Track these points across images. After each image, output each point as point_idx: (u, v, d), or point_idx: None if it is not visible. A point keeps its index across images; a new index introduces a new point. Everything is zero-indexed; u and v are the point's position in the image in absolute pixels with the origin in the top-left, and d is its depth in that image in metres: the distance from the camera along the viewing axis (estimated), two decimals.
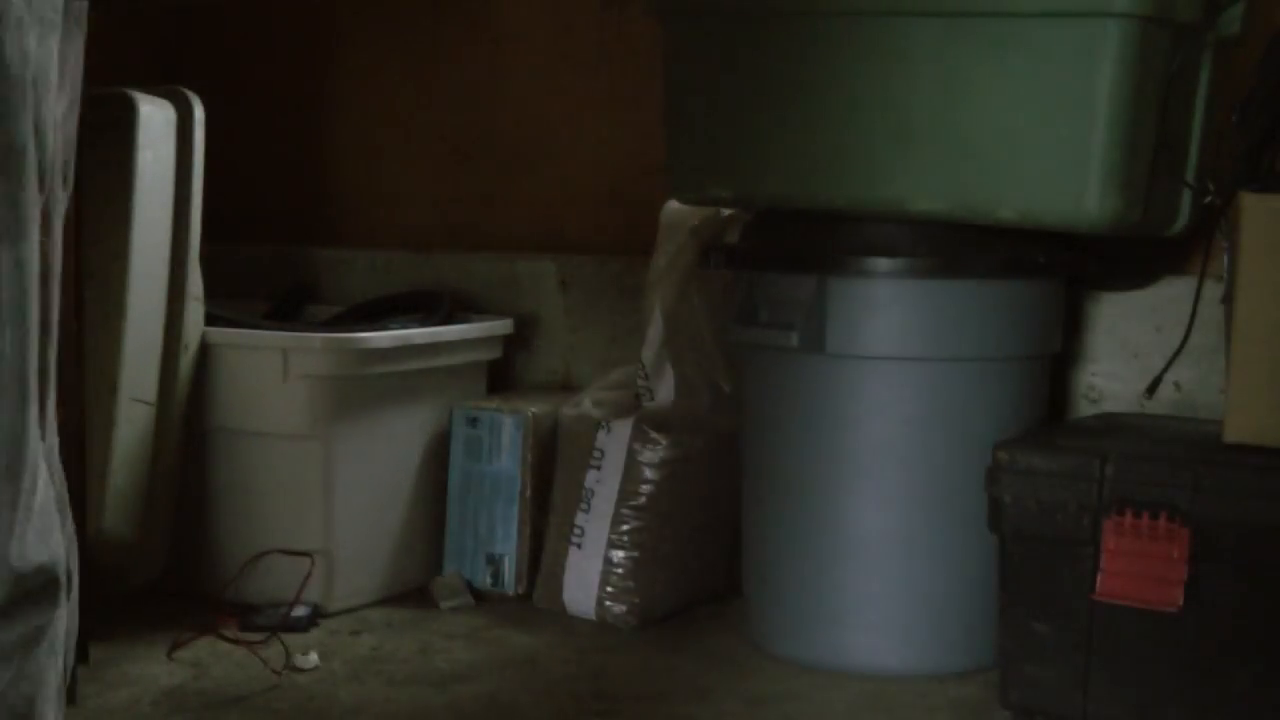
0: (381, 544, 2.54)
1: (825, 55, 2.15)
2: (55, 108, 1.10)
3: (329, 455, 2.44)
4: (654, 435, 2.43)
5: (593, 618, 2.44)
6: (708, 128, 2.26)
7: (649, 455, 2.42)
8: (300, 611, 2.38)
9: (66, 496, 1.15)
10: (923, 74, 2.08)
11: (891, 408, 2.18)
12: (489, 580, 2.55)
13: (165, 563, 2.53)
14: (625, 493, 2.43)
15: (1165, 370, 2.39)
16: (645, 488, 2.42)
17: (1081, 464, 1.95)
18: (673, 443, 2.44)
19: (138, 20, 3.31)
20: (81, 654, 2.08)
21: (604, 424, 2.47)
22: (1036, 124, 2.03)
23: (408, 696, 2.10)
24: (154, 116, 2.48)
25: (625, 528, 2.42)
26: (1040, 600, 1.98)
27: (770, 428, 2.27)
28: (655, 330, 2.54)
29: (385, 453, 2.55)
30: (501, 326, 2.74)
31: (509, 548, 2.54)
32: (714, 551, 2.54)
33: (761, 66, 2.19)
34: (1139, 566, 1.89)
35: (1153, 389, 2.40)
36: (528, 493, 2.53)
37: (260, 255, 3.18)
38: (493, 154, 3.01)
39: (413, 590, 2.57)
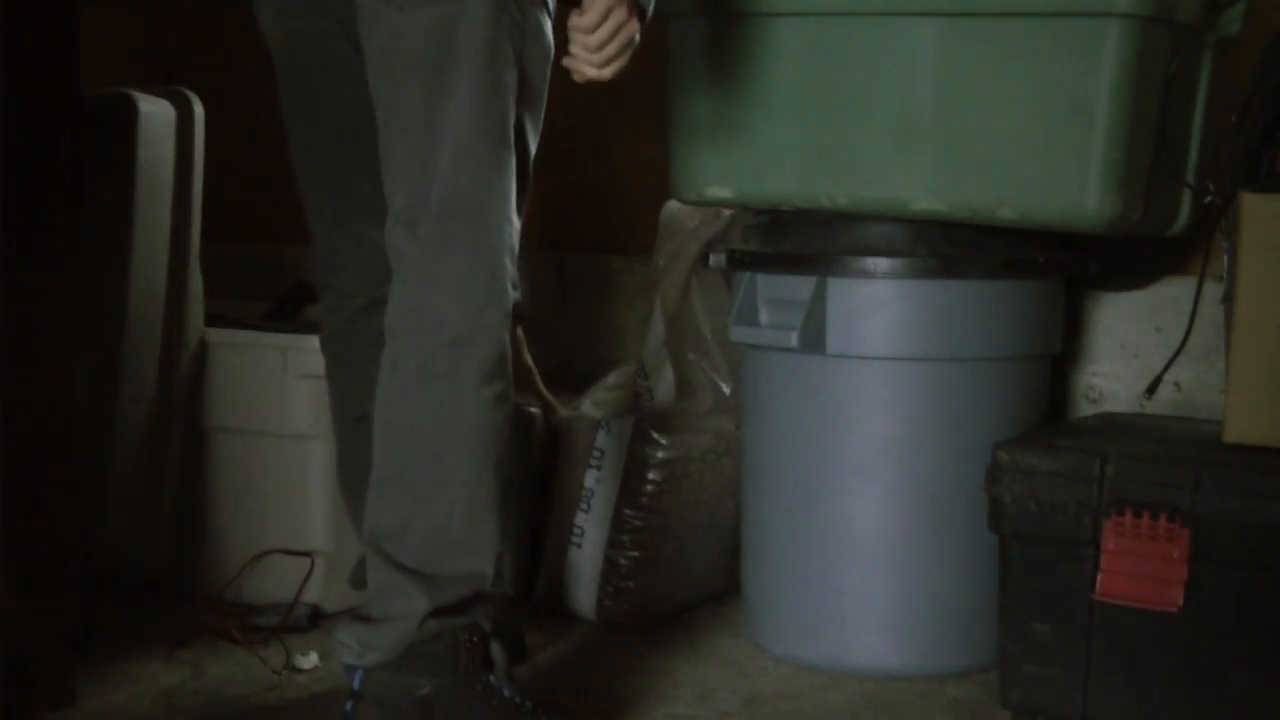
0: None
1: (825, 55, 2.15)
2: None
3: (329, 455, 2.43)
4: (654, 435, 2.43)
5: (593, 618, 2.44)
6: (708, 127, 2.26)
7: (649, 455, 2.42)
8: (300, 611, 2.38)
9: None
10: (923, 74, 2.08)
11: (891, 408, 2.18)
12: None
13: (165, 562, 2.53)
14: (625, 493, 2.43)
15: (1165, 370, 2.39)
16: (645, 488, 2.42)
17: (1081, 464, 1.94)
18: (673, 443, 2.43)
19: (138, 20, 3.31)
20: (81, 654, 2.09)
21: (604, 424, 2.47)
22: (1036, 124, 2.03)
23: None
24: (154, 116, 2.48)
25: (625, 528, 2.42)
26: (1040, 600, 1.98)
27: (770, 428, 2.28)
28: (655, 330, 2.54)
29: None
30: None
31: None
32: (714, 551, 2.54)
33: (761, 66, 2.19)
34: (1139, 566, 1.89)
35: (1153, 389, 2.40)
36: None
37: (260, 255, 3.17)
38: None
39: None
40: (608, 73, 1.79)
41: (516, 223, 1.81)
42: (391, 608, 1.79)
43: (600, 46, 1.76)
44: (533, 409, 2.54)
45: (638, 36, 1.79)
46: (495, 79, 1.75)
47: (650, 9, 1.80)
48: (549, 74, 1.83)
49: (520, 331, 2.46)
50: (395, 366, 1.79)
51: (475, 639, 1.81)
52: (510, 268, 1.79)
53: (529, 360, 2.49)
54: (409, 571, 1.78)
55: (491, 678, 1.82)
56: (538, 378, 2.50)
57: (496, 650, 1.84)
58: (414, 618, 1.78)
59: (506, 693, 1.82)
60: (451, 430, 1.77)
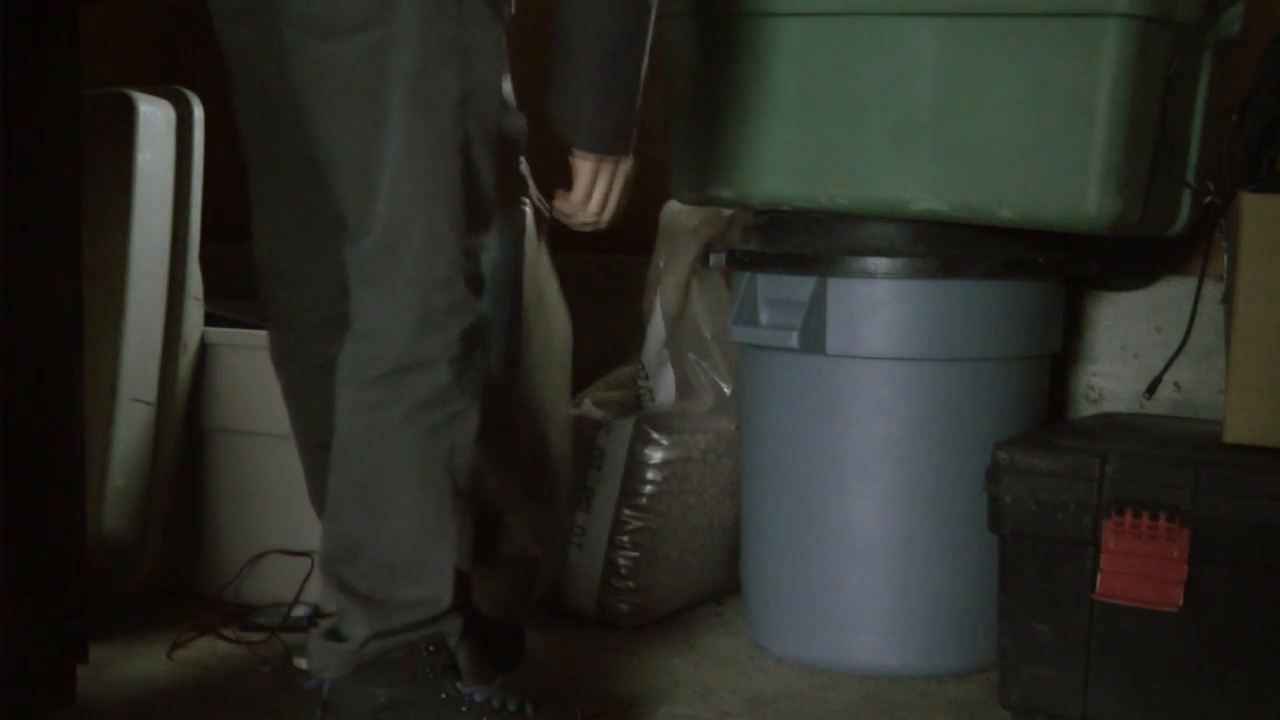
0: None
1: (825, 55, 2.15)
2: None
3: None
4: (655, 435, 2.43)
5: (593, 618, 2.43)
6: (708, 127, 2.26)
7: (650, 455, 2.42)
8: (300, 611, 2.38)
9: None
10: (923, 74, 2.08)
11: (891, 408, 2.18)
12: None
13: (165, 563, 2.53)
14: (626, 492, 2.43)
15: (1165, 370, 2.39)
16: (646, 488, 2.42)
17: (1081, 464, 1.94)
18: (673, 443, 2.43)
19: (138, 20, 3.31)
20: (81, 654, 2.08)
21: (604, 424, 2.47)
22: (1036, 124, 2.03)
23: None
24: (154, 116, 2.48)
25: (626, 528, 2.42)
26: (1040, 600, 1.98)
27: (771, 428, 2.27)
28: (655, 330, 2.54)
29: None
30: None
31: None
32: (714, 552, 2.54)
33: (761, 67, 2.19)
34: (1139, 566, 1.89)
35: (1153, 389, 2.40)
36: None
37: None
38: None
39: None
40: (605, 221, 1.83)
41: (467, 243, 1.76)
42: (343, 628, 1.81)
43: (598, 213, 1.80)
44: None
45: (631, 167, 1.80)
46: (429, 105, 1.72)
47: (634, 136, 1.79)
48: (503, 83, 1.79)
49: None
50: (340, 395, 1.80)
51: (432, 647, 1.81)
52: (451, 295, 1.75)
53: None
54: (357, 596, 1.80)
55: (459, 684, 1.81)
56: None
57: (463, 655, 1.83)
58: (356, 640, 1.79)
59: (479, 698, 1.81)
60: (388, 458, 1.78)
